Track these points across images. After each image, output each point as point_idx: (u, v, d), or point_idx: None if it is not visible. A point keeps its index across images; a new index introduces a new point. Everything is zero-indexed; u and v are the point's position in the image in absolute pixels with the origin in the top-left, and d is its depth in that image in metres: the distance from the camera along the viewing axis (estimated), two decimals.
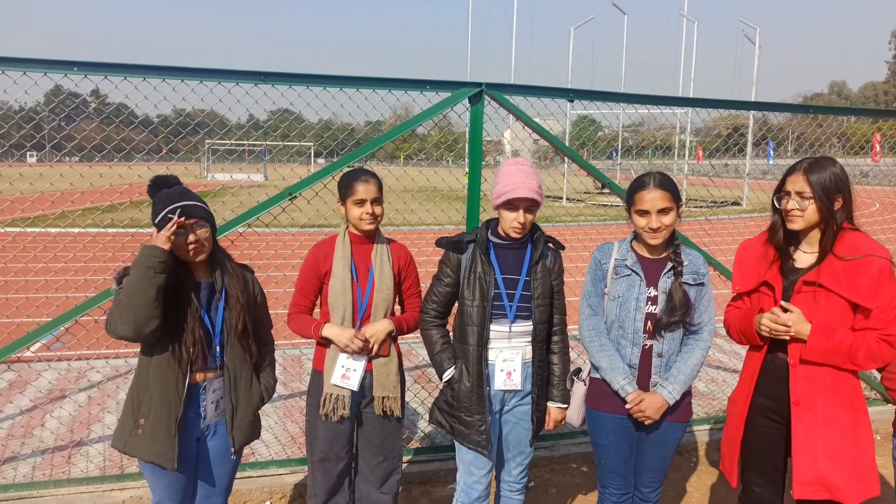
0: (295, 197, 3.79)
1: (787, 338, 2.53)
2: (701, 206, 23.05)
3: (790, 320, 2.49)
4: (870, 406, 5.26)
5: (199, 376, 2.53)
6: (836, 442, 2.51)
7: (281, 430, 4.70)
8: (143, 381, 2.47)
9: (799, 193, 2.52)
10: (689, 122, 27.00)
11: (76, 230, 9.44)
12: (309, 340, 3.02)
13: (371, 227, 2.95)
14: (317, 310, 3.06)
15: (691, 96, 4.83)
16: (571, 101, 4.22)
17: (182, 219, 2.39)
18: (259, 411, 2.75)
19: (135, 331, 2.32)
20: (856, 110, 6.34)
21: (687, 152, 29.30)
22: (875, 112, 6.39)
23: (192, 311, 2.47)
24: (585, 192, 29.54)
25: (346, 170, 3.08)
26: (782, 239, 2.65)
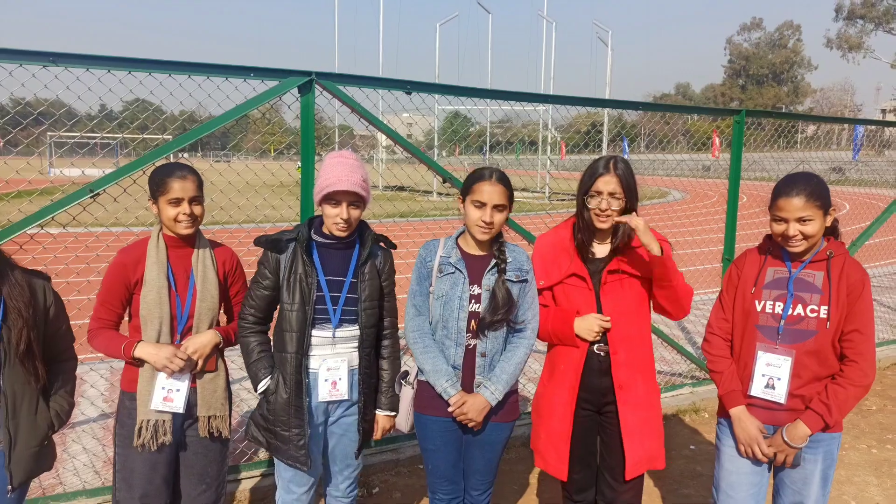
0: (98, 194, 3.36)
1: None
2: (565, 199, 24.08)
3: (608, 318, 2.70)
4: (701, 385, 5.67)
5: None
6: (652, 417, 2.77)
7: (94, 454, 4.20)
8: None
9: (612, 194, 2.64)
10: (551, 117, 28.16)
11: None
12: None
13: (190, 230, 2.61)
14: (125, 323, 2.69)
15: (551, 94, 4.96)
16: (409, 93, 4.09)
17: None
18: (54, 437, 2.39)
19: None
20: (691, 108, 6.75)
21: (549, 148, 30.51)
22: (707, 110, 6.85)
23: None
24: (445, 184, 29.91)
25: (158, 164, 2.73)
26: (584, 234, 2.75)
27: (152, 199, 2.61)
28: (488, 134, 35.07)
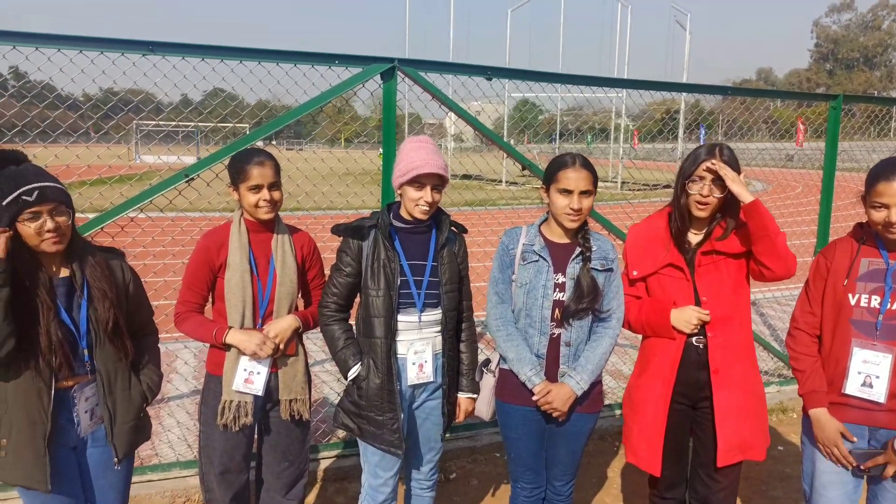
0: (192, 179, 3.50)
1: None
2: (643, 189, 23.52)
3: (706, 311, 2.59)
4: (789, 384, 5.42)
5: (68, 383, 2.24)
6: (751, 403, 2.63)
7: (188, 428, 4.42)
8: (0, 397, 2.17)
9: (714, 181, 2.52)
10: (625, 105, 27.46)
11: None
12: None
13: (270, 215, 2.68)
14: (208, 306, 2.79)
15: (631, 79, 4.82)
16: (489, 79, 4.06)
17: (9, 231, 2.06)
18: (148, 410, 2.49)
19: None
20: (782, 93, 6.44)
21: (622, 136, 29.79)
22: (800, 95, 6.51)
23: (45, 312, 2.15)
24: (520, 175, 29.75)
25: (237, 153, 2.79)
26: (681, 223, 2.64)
27: (233, 185, 2.68)
28: (558, 121, 34.56)
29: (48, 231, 2.12)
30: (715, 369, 2.59)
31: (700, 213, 2.58)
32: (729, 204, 2.56)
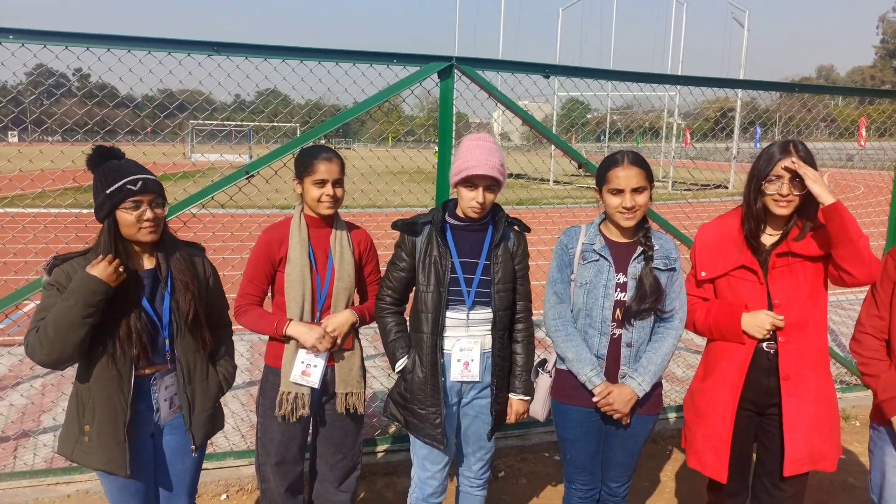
0: (252, 176, 3.58)
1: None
2: (692, 189, 23.01)
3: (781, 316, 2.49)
4: (851, 391, 5.22)
5: (147, 371, 2.33)
6: (822, 412, 2.54)
7: (241, 418, 4.53)
8: (83, 384, 2.27)
9: (793, 178, 2.43)
10: (677, 104, 26.87)
11: (56, 211, 9.17)
12: None
13: (330, 210, 2.73)
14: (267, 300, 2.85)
15: (686, 76, 4.71)
16: (547, 76, 4.03)
17: (116, 260, 2.17)
18: (220, 402, 2.56)
19: (53, 365, 2.16)
20: (841, 89, 6.19)
21: (674, 135, 29.17)
22: (861, 91, 6.24)
23: (130, 303, 2.25)
24: (573, 174, 29.44)
25: (305, 147, 2.87)
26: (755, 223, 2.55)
27: (297, 178, 2.73)
28: (608, 121, 34.04)
29: (147, 220, 2.23)
30: (785, 376, 2.51)
31: (782, 211, 2.47)
32: (805, 205, 2.47)
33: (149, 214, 2.23)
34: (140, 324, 2.26)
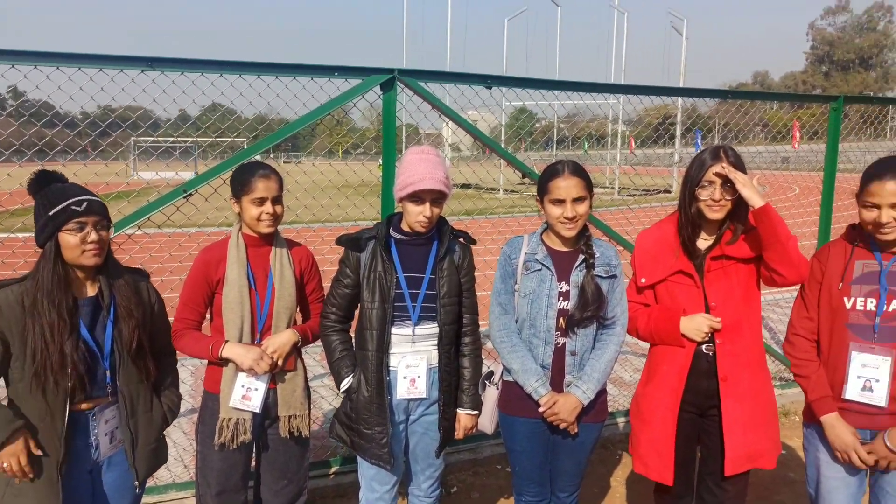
0: (191, 194, 3.48)
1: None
2: (633, 195, 23.55)
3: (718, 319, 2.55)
4: (790, 388, 5.40)
5: (84, 406, 2.23)
6: (760, 411, 2.59)
7: (184, 448, 4.37)
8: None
9: (725, 183, 2.49)
10: (621, 111, 27.50)
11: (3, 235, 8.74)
12: None
13: (271, 229, 2.67)
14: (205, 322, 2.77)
15: (628, 84, 4.85)
16: (489, 87, 4.05)
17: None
18: (163, 434, 2.47)
19: None
20: (775, 95, 6.44)
21: (619, 142, 29.84)
22: (801, 97, 6.49)
23: (60, 332, 2.13)
24: (519, 183, 29.76)
25: (240, 165, 2.79)
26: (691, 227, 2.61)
27: (235, 198, 2.66)
28: (555, 129, 34.61)
29: (91, 242, 2.16)
30: (723, 377, 2.55)
31: (715, 215, 2.53)
32: (737, 208, 2.53)
33: (93, 236, 2.16)
34: (77, 354, 2.16)
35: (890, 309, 2.36)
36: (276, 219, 2.68)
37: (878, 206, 2.29)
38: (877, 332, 2.37)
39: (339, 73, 3.64)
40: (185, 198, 3.46)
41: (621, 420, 4.82)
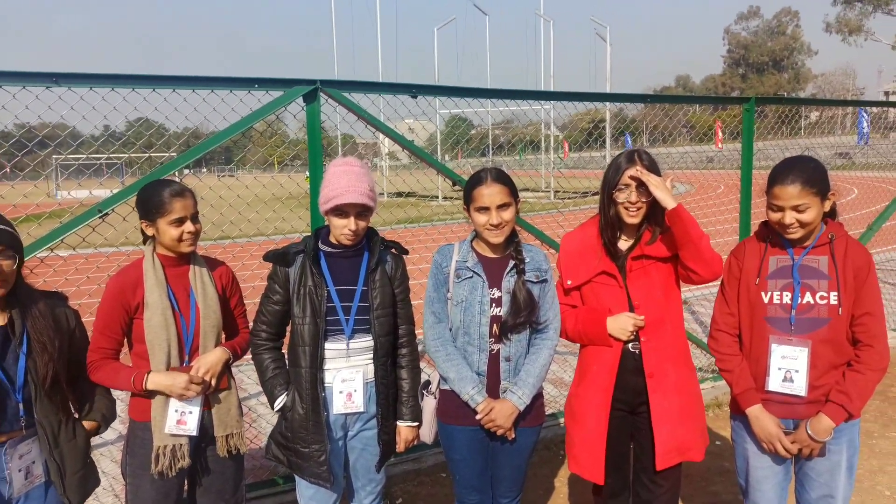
0: (106, 214, 3.32)
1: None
2: (573, 197, 24.04)
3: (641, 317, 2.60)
4: (722, 380, 5.58)
5: None
6: (687, 405, 2.65)
7: (114, 476, 4.15)
8: None
9: (640, 186, 2.55)
10: (552, 117, 28.10)
11: None
12: None
13: (192, 248, 2.57)
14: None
15: (554, 91, 4.97)
16: (414, 96, 4.05)
17: None
18: (91, 458, 2.39)
19: None
20: (698, 98, 6.70)
21: (552, 147, 30.44)
22: (714, 100, 6.79)
23: None
24: (455, 190, 29.93)
25: (148, 185, 2.61)
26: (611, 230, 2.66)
27: (147, 220, 2.53)
28: (490, 136, 35.02)
29: None
30: (650, 373, 2.61)
31: (632, 220, 2.60)
32: (655, 209, 2.60)
33: None
34: None
35: (804, 301, 2.46)
36: (197, 237, 2.58)
37: (781, 209, 2.40)
38: (793, 325, 2.47)
39: (260, 85, 3.56)
40: (100, 217, 3.30)
41: (562, 420, 4.86)
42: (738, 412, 2.65)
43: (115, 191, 3.41)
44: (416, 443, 2.78)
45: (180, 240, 2.51)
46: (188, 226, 2.52)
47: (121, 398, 2.67)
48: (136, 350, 2.57)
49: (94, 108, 3.30)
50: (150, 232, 2.55)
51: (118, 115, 3.51)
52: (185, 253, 2.59)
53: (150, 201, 2.51)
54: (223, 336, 2.73)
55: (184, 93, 3.44)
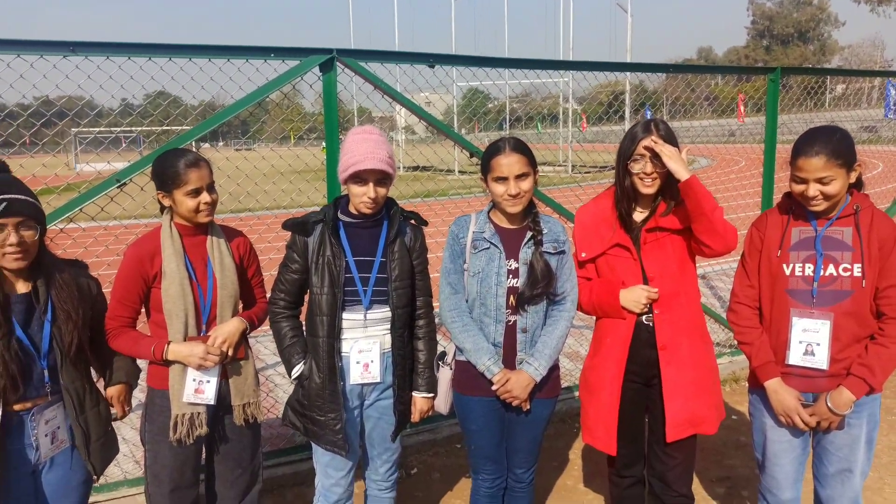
0: (124, 184, 3.34)
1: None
2: (591, 171, 23.80)
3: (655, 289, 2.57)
4: (740, 354, 5.54)
5: (17, 407, 2.14)
6: (700, 378, 2.63)
7: (135, 444, 4.24)
8: None
9: (655, 156, 2.50)
10: (571, 89, 27.73)
11: None
12: None
13: (209, 218, 2.57)
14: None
15: (574, 61, 4.88)
16: (432, 66, 3.99)
17: None
18: (111, 425, 2.46)
19: None
20: (722, 68, 6.55)
21: (570, 120, 30.07)
22: (739, 69, 6.63)
23: None
24: (471, 164, 29.77)
25: (163, 156, 2.61)
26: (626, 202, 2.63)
27: (163, 192, 2.53)
28: (507, 109, 34.67)
29: (10, 245, 2.06)
30: (662, 346, 2.59)
31: (647, 190, 2.56)
32: (670, 180, 2.55)
33: (12, 239, 2.05)
34: (9, 354, 2.07)
35: (826, 273, 2.42)
36: (214, 207, 2.58)
37: (805, 181, 2.34)
38: (815, 297, 2.43)
39: (276, 54, 3.53)
40: (118, 187, 3.32)
41: (577, 394, 4.87)
42: (756, 386, 2.62)
43: (132, 161, 3.42)
44: (431, 413, 2.79)
45: (197, 210, 2.51)
46: (204, 196, 2.51)
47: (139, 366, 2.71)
48: (154, 319, 2.60)
49: (112, 78, 3.30)
50: (166, 203, 2.55)
51: (135, 85, 3.50)
52: (203, 223, 2.59)
53: (166, 172, 2.51)
54: (240, 306, 2.75)
55: (200, 62, 3.43)
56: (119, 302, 2.54)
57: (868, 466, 2.54)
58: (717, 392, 2.74)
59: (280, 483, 3.80)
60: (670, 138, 2.53)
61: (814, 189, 2.33)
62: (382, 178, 2.50)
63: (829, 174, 2.29)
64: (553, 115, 33.98)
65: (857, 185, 2.46)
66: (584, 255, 2.71)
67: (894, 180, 9.91)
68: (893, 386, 5.09)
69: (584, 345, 5.73)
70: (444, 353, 2.78)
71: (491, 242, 2.60)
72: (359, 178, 2.47)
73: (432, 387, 2.73)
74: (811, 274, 2.43)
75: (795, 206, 2.50)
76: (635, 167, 2.54)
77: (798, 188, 2.38)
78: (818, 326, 2.42)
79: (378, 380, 2.61)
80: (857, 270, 2.37)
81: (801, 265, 2.45)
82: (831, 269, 2.41)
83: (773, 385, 2.51)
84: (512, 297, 2.58)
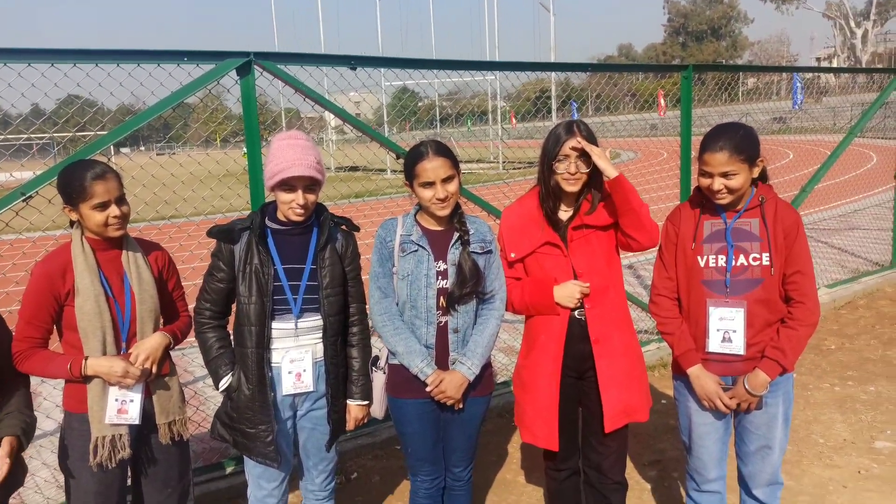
0: (30, 197, 3.15)
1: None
2: (519, 168, 24.15)
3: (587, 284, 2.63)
4: (664, 342, 5.73)
5: None
6: (631, 368, 2.72)
7: (55, 468, 4.01)
8: None
9: (579, 157, 2.56)
10: (499, 88, 28.08)
11: None
12: None
13: (120, 232, 2.44)
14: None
15: (498, 61, 4.95)
16: (353, 68, 3.95)
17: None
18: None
19: None
20: (638, 67, 6.78)
21: (499, 118, 30.45)
22: (654, 67, 6.88)
23: None
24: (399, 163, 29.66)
25: (67, 168, 2.45)
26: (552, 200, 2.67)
27: (69, 206, 2.39)
28: (437, 108, 34.78)
29: None
30: (595, 339, 2.65)
31: (571, 188, 2.61)
32: (593, 178, 2.62)
33: None
34: None
35: (738, 263, 2.54)
36: (125, 220, 2.45)
37: (710, 175, 2.46)
38: (728, 287, 2.55)
39: (190, 58, 3.40)
40: (24, 201, 3.13)
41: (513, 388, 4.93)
42: (679, 372, 2.73)
43: (38, 172, 3.23)
44: (366, 421, 2.76)
45: (106, 224, 2.39)
46: (113, 209, 2.38)
47: (55, 387, 2.57)
48: (67, 338, 2.46)
49: (10, 86, 3.11)
50: (73, 217, 2.42)
51: (38, 92, 3.31)
52: (115, 237, 2.47)
53: (70, 186, 2.36)
54: (161, 321, 2.64)
55: (108, 68, 3.27)
56: (28, 322, 2.39)
57: (786, 442, 2.68)
58: (646, 380, 2.84)
59: (215, 498, 3.68)
60: (592, 138, 2.59)
61: (718, 183, 2.45)
62: (311, 185, 2.45)
63: (732, 168, 2.42)
64: (482, 113, 34.33)
65: (762, 178, 2.60)
66: (513, 255, 2.74)
67: (803, 168, 10.50)
68: (807, 363, 5.40)
69: (519, 339, 5.79)
70: (377, 358, 2.76)
71: (419, 245, 2.59)
72: (287, 185, 2.41)
73: (367, 394, 2.71)
74: (724, 265, 2.55)
75: (706, 200, 2.61)
76: (560, 167, 2.59)
77: (704, 182, 2.50)
78: (733, 314, 2.54)
79: (311, 389, 2.56)
80: (765, 259, 2.50)
81: (714, 257, 2.57)
82: (742, 259, 2.53)
83: (695, 371, 2.61)
84: (442, 298, 2.58)
